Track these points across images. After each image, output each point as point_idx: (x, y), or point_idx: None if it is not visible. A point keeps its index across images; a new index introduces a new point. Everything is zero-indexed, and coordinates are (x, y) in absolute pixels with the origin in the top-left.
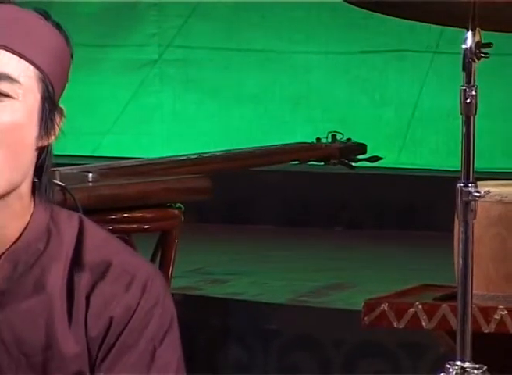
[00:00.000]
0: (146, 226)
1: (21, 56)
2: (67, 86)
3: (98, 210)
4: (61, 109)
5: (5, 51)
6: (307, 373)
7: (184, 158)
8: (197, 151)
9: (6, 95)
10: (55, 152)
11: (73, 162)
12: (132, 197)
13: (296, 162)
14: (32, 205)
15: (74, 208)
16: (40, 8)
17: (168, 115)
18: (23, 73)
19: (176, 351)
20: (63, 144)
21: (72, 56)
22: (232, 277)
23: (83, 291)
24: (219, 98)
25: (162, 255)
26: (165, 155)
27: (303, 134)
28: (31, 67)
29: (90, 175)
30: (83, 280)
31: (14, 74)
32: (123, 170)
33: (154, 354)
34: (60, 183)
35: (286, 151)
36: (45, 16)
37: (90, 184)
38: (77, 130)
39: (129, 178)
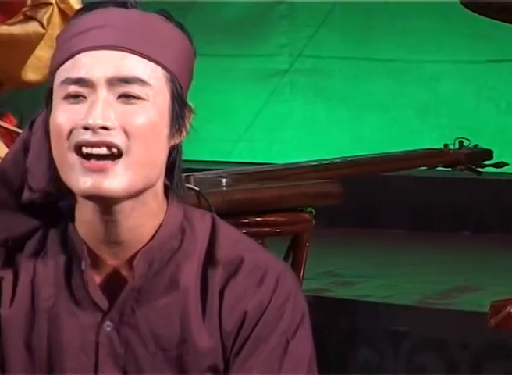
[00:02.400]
0: (278, 230)
1: (149, 59)
2: (202, 95)
3: (232, 214)
4: (189, 106)
5: (133, 55)
6: (435, 374)
7: (316, 163)
8: (327, 158)
9: (138, 97)
10: (190, 158)
11: (207, 168)
12: (265, 201)
13: (425, 168)
14: (166, 204)
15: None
16: (163, 10)
17: (298, 122)
18: (153, 74)
19: (308, 345)
20: (197, 151)
21: (195, 54)
22: (362, 280)
23: (216, 287)
24: (348, 106)
25: (294, 258)
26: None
27: (430, 141)
28: (159, 68)
29: (224, 180)
30: (216, 276)
31: (144, 77)
32: (256, 175)
33: (287, 347)
34: (194, 188)
35: (415, 157)
36: (168, 17)
37: (224, 189)
38: (211, 137)
39: (262, 183)
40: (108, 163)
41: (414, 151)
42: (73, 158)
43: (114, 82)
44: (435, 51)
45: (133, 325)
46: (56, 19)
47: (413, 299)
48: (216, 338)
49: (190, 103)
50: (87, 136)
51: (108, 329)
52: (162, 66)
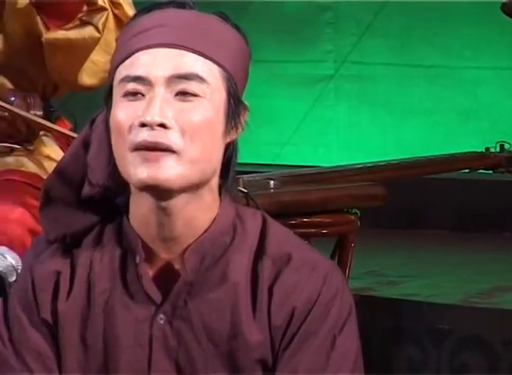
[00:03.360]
0: (324, 231)
1: (206, 57)
2: (250, 99)
3: (279, 215)
4: (244, 104)
5: (191, 54)
6: (477, 371)
7: (361, 166)
8: (372, 161)
9: (195, 95)
10: (238, 160)
11: (255, 170)
12: (311, 203)
13: (467, 171)
14: (219, 200)
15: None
16: (220, 12)
17: (343, 127)
18: (210, 72)
19: (354, 341)
20: (245, 153)
21: (250, 55)
22: (406, 279)
23: (266, 283)
24: (392, 110)
25: (339, 258)
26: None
27: (471, 145)
28: (216, 67)
29: (272, 182)
30: (266, 272)
31: (203, 74)
32: (303, 178)
33: (334, 342)
34: (243, 190)
35: (456, 160)
36: (224, 18)
37: (272, 191)
38: (258, 141)
39: (308, 185)
40: (164, 154)
41: (456, 154)
42: (131, 153)
43: (172, 80)
44: (476, 58)
45: (185, 318)
46: (111, 24)
47: (455, 298)
48: (265, 333)
49: (245, 101)
50: (145, 134)
51: (162, 322)
52: (219, 65)
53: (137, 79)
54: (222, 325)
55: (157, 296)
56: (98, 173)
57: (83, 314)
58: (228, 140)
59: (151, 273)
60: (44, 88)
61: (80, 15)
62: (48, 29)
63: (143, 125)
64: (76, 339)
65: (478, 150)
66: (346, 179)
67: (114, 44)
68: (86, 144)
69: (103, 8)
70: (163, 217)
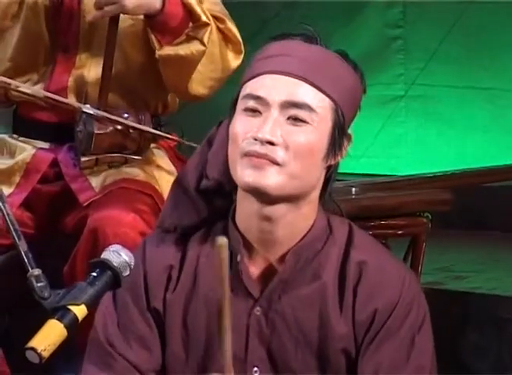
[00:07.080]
0: (399, 232)
1: (319, 89)
2: None
3: (360, 218)
4: (349, 135)
5: (307, 85)
6: None
7: (431, 175)
8: (439, 171)
9: (304, 121)
10: None
11: (337, 179)
12: (388, 207)
13: None
14: (316, 212)
15: (340, 216)
16: (341, 50)
17: (412, 142)
18: (320, 103)
19: (430, 339)
20: None
21: (364, 91)
22: (471, 274)
23: (351, 283)
24: (455, 128)
25: (413, 256)
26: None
27: None
28: (327, 99)
29: (354, 189)
30: (351, 274)
31: (313, 105)
32: (380, 185)
33: (414, 340)
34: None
35: None
36: (344, 56)
37: (354, 197)
38: None
39: (385, 191)
40: (269, 164)
41: None
42: (241, 159)
43: (286, 105)
44: None
45: (278, 310)
46: (214, 36)
47: None
48: (350, 326)
49: (350, 132)
50: (256, 147)
51: (258, 313)
52: (330, 97)
53: (258, 98)
54: (311, 317)
55: (255, 291)
56: (215, 169)
57: (187, 302)
58: (328, 163)
59: (250, 270)
60: (154, 107)
61: (186, 31)
62: (161, 45)
63: (255, 139)
64: (179, 324)
65: None
66: (417, 186)
67: (217, 54)
68: (210, 143)
69: (206, 24)
70: (264, 222)
